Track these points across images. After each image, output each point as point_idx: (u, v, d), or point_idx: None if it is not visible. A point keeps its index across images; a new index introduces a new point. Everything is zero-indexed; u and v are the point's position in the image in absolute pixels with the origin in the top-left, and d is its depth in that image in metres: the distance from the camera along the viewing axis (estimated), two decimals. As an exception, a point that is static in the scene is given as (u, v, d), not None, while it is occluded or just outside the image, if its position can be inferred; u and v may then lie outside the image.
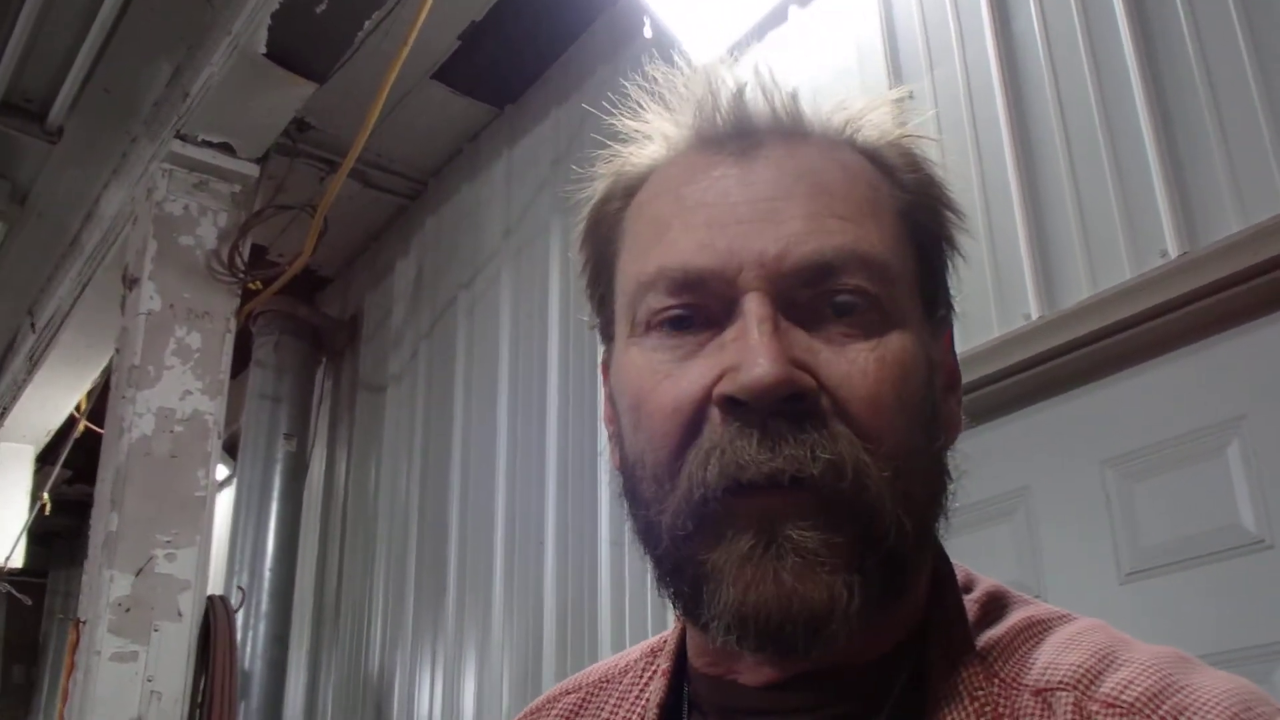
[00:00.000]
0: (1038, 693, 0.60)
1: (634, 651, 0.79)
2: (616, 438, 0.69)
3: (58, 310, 4.52)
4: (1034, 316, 2.01)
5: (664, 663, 0.73)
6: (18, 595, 6.39)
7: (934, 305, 0.68)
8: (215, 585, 3.77)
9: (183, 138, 3.47)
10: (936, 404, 0.66)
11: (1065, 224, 2.03)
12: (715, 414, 0.60)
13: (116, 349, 3.55)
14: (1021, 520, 2.01)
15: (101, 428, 3.62)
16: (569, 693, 0.80)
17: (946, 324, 0.71)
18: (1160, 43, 1.95)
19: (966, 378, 2.06)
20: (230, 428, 4.10)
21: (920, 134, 0.72)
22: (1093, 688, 0.59)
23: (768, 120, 0.68)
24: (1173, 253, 1.84)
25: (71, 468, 5.60)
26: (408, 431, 4.11)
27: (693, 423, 0.61)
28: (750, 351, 0.59)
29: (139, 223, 3.59)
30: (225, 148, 3.53)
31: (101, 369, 4.66)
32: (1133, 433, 1.88)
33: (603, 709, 0.75)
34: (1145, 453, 1.85)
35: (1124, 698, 0.58)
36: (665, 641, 0.75)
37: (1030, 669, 0.62)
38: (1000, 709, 0.60)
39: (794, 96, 0.69)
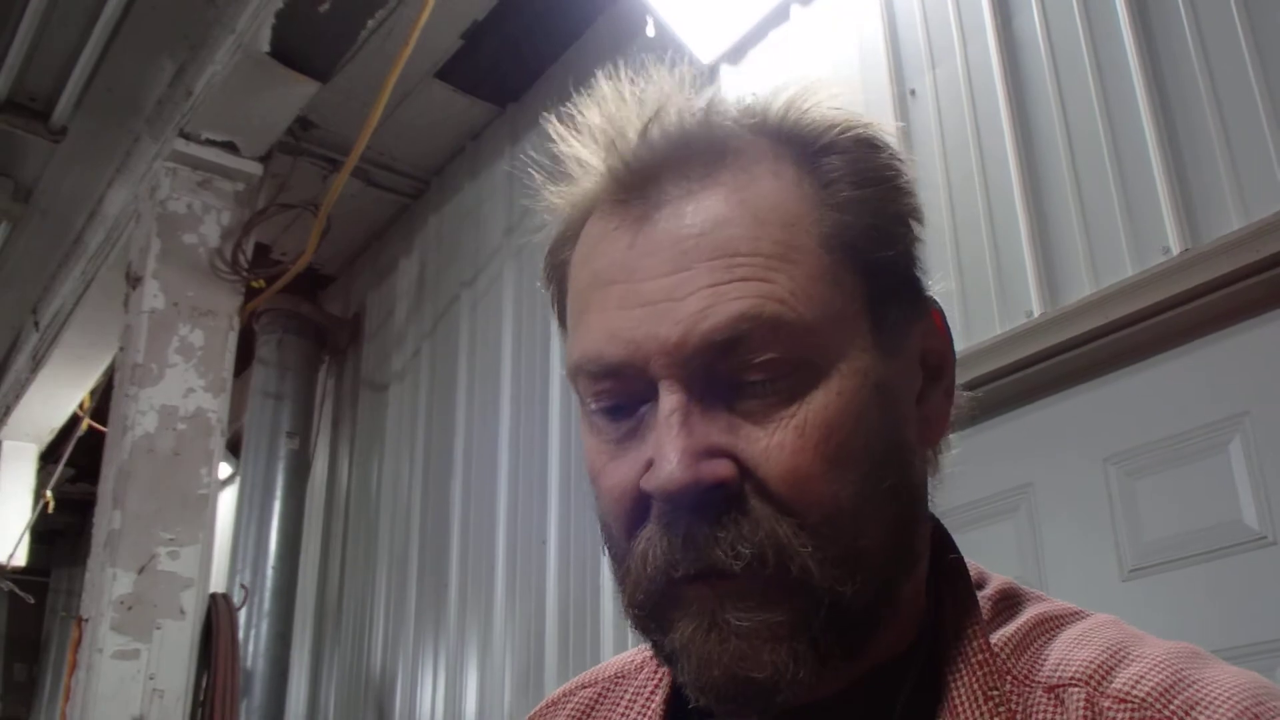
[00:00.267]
0: (1050, 689, 0.60)
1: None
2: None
3: (61, 308, 4.53)
4: (1036, 313, 2.02)
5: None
6: (20, 593, 6.39)
7: (889, 313, 0.64)
8: (218, 583, 3.78)
9: (186, 136, 3.47)
10: (896, 427, 0.64)
11: (1067, 221, 2.03)
12: (657, 503, 0.60)
13: (120, 347, 3.56)
14: (1024, 517, 2.01)
15: (104, 426, 3.62)
16: (585, 687, 0.80)
17: (916, 318, 0.67)
18: (1161, 39, 1.96)
19: (968, 375, 2.07)
20: (233, 426, 4.10)
21: (863, 121, 0.67)
22: (1105, 683, 0.59)
23: (674, 160, 0.63)
24: (1175, 249, 1.84)
25: (74, 466, 5.61)
26: (410, 430, 4.11)
27: (637, 510, 0.62)
28: (661, 450, 0.59)
29: (142, 221, 3.60)
30: (229, 146, 3.54)
31: (105, 367, 4.67)
32: (1135, 429, 1.88)
33: (618, 704, 0.76)
34: (1147, 449, 1.85)
35: (1136, 692, 0.58)
36: None
37: (1043, 666, 0.62)
38: (1014, 706, 0.60)
39: (707, 115, 0.65)
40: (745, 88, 2.85)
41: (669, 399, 0.59)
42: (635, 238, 0.63)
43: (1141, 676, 0.58)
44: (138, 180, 3.75)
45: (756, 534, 0.58)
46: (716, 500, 0.58)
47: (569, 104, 0.68)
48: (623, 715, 0.74)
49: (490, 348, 3.71)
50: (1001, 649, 0.63)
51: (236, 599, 3.53)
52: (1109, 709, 0.58)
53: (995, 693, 0.61)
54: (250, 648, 3.98)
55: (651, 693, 0.74)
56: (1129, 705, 0.58)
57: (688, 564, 0.59)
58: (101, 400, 4.74)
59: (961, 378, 2.13)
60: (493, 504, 3.49)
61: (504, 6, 3.45)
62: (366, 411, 4.48)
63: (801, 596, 0.59)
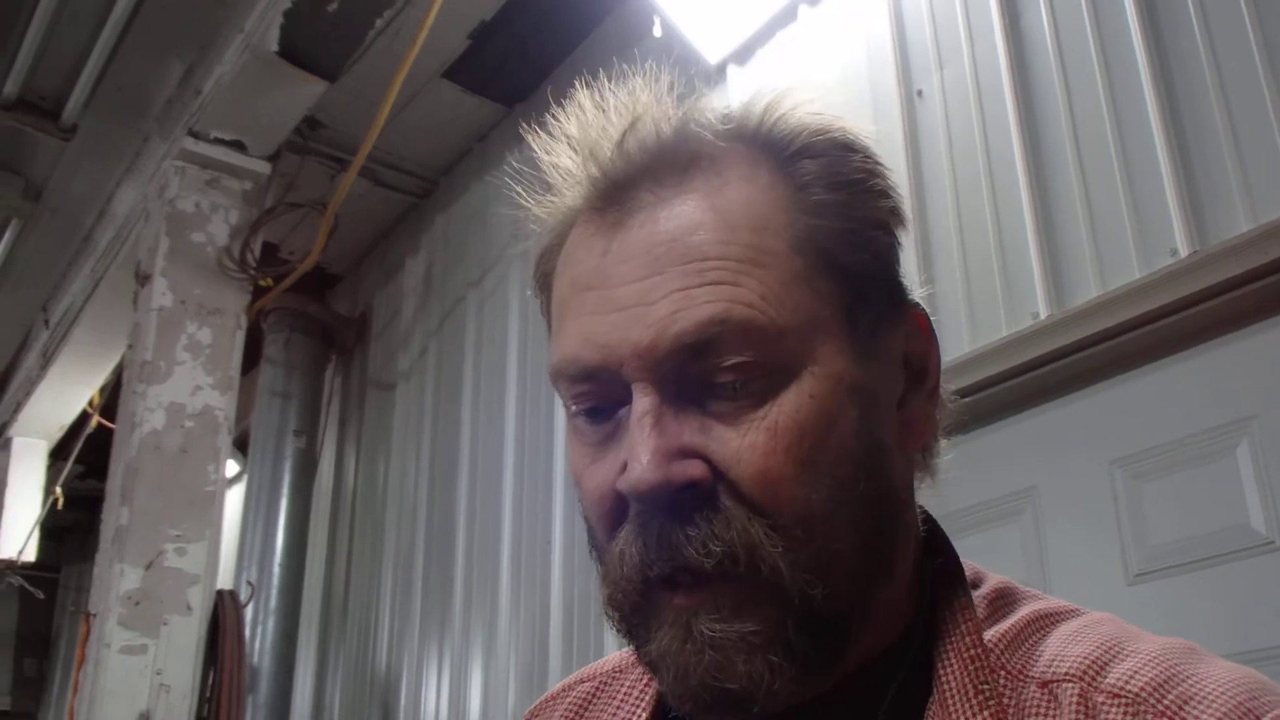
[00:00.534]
0: (1044, 684, 0.60)
1: None
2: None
3: (71, 306, 4.54)
4: (1042, 316, 2.01)
5: None
6: (30, 589, 6.42)
7: (866, 316, 0.65)
8: (225, 580, 3.79)
9: (195, 135, 3.48)
10: (873, 430, 0.64)
11: (1074, 222, 2.02)
12: (633, 504, 0.62)
13: (129, 344, 3.57)
14: (1029, 520, 2.00)
15: (114, 423, 3.64)
16: (583, 681, 0.81)
17: (896, 321, 0.67)
18: (1170, 40, 1.95)
19: (974, 377, 2.06)
20: (241, 424, 4.11)
21: (839, 122, 0.68)
22: (1098, 678, 0.59)
23: (650, 168, 0.65)
24: (1182, 252, 1.83)
25: (84, 463, 5.63)
26: (416, 429, 4.11)
27: (617, 511, 0.63)
28: (633, 451, 0.60)
29: (151, 219, 3.61)
30: (237, 145, 3.54)
31: (114, 365, 4.68)
32: (1141, 433, 1.87)
33: (613, 699, 0.76)
34: (1154, 453, 1.84)
35: (1129, 688, 0.58)
36: None
37: (1037, 661, 0.62)
38: (1006, 701, 0.61)
39: (684, 124, 0.66)
40: (752, 88, 2.84)
41: (641, 401, 0.60)
42: (610, 244, 0.64)
43: (1136, 672, 0.58)
44: (147, 179, 3.76)
45: (728, 532, 0.59)
46: (688, 500, 0.59)
47: (555, 114, 0.69)
48: (615, 712, 0.75)
49: (496, 347, 3.71)
50: (995, 645, 0.63)
51: (243, 596, 3.54)
52: (1103, 704, 0.58)
53: (986, 686, 0.61)
54: (256, 644, 3.99)
55: (642, 691, 0.75)
56: (1123, 700, 0.58)
57: (661, 563, 0.60)
58: (111, 397, 4.75)
59: (967, 380, 2.12)
60: (498, 503, 3.50)
61: (511, 6, 3.45)
62: (373, 410, 4.48)
63: (773, 602, 0.59)
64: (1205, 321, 1.81)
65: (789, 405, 0.60)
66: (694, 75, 2.93)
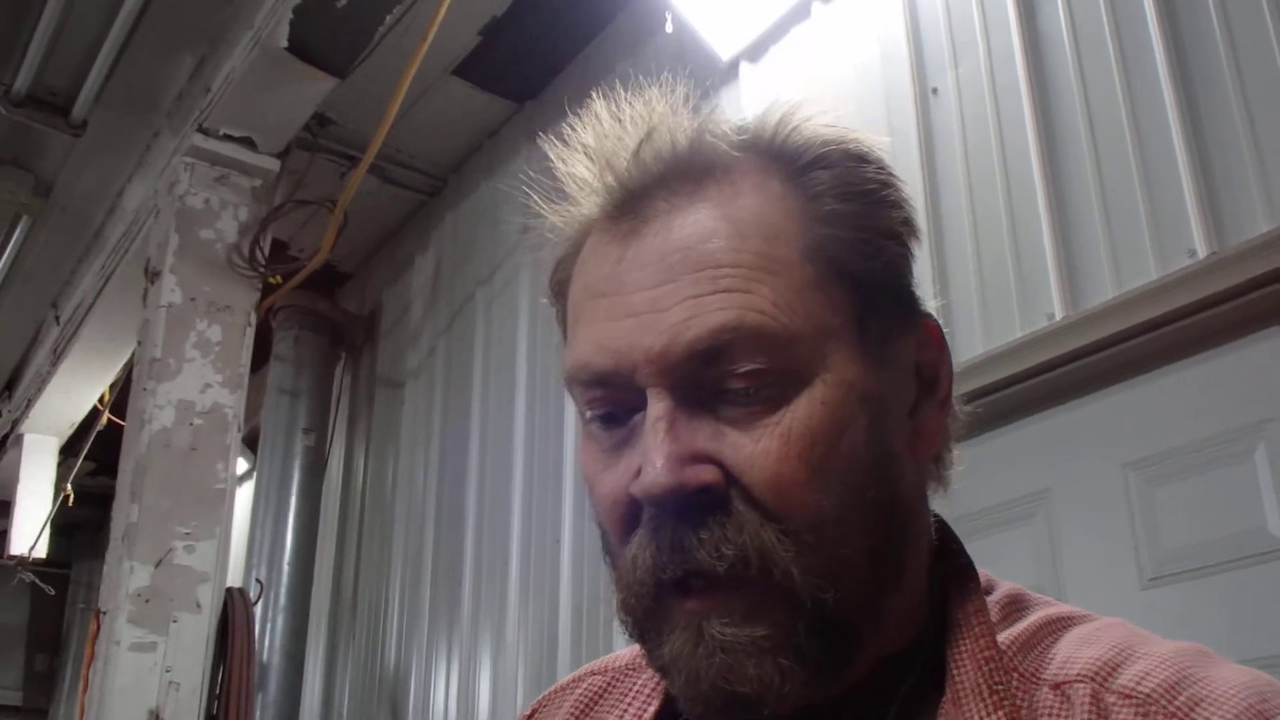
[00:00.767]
0: (1056, 686, 0.61)
1: None
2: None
3: (81, 303, 4.55)
4: (1058, 316, 1.99)
5: None
6: (41, 585, 6.44)
7: (878, 325, 0.65)
8: (234, 578, 3.79)
9: (204, 132, 3.47)
10: (884, 438, 0.64)
11: (1090, 222, 2.00)
12: (646, 508, 0.62)
13: (138, 341, 3.57)
14: (1042, 523, 1.98)
15: (124, 420, 3.63)
16: (596, 674, 0.81)
17: (908, 330, 0.68)
18: (1189, 37, 1.92)
19: (987, 378, 2.04)
20: (250, 422, 4.11)
21: (853, 133, 0.69)
22: (1110, 680, 0.60)
23: (664, 178, 0.66)
24: (1201, 252, 1.81)
25: (94, 460, 5.64)
26: (425, 427, 4.11)
27: (630, 516, 0.63)
28: (647, 455, 0.60)
29: (161, 216, 3.61)
30: (246, 142, 3.54)
31: (124, 362, 4.69)
32: (1156, 436, 1.85)
33: (624, 696, 0.77)
34: (1169, 456, 1.82)
35: (1140, 689, 0.58)
36: None
37: (1049, 664, 0.63)
38: (1019, 702, 0.61)
39: (699, 135, 0.67)
40: (765, 85, 2.82)
41: (655, 406, 0.61)
42: (625, 252, 0.65)
43: (1147, 673, 0.59)
44: (156, 175, 3.76)
45: (740, 536, 0.60)
46: (701, 504, 0.60)
47: (571, 122, 0.70)
48: (625, 709, 0.76)
49: (505, 346, 3.70)
50: (1008, 648, 0.64)
51: (252, 593, 3.54)
52: (1114, 704, 0.58)
53: (1001, 686, 0.61)
54: (266, 642, 4.00)
55: (652, 692, 0.75)
56: (1134, 701, 0.58)
57: (673, 566, 0.60)
58: (121, 394, 4.75)
59: (980, 381, 2.10)
60: (507, 501, 3.49)
61: (522, 3, 3.44)
62: (382, 408, 4.48)
63: (784, 607, 0.60)
64: (1223, 323, 1.79)
65: (801, 411, 0.61)
66: (706, 73, 2.92)
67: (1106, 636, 0.63)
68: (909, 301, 0.69)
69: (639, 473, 0.61)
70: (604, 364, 0.64)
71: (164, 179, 3.66)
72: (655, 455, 0.60)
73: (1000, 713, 0.60)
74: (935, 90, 2.37)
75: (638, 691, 0.76)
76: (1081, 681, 0.60)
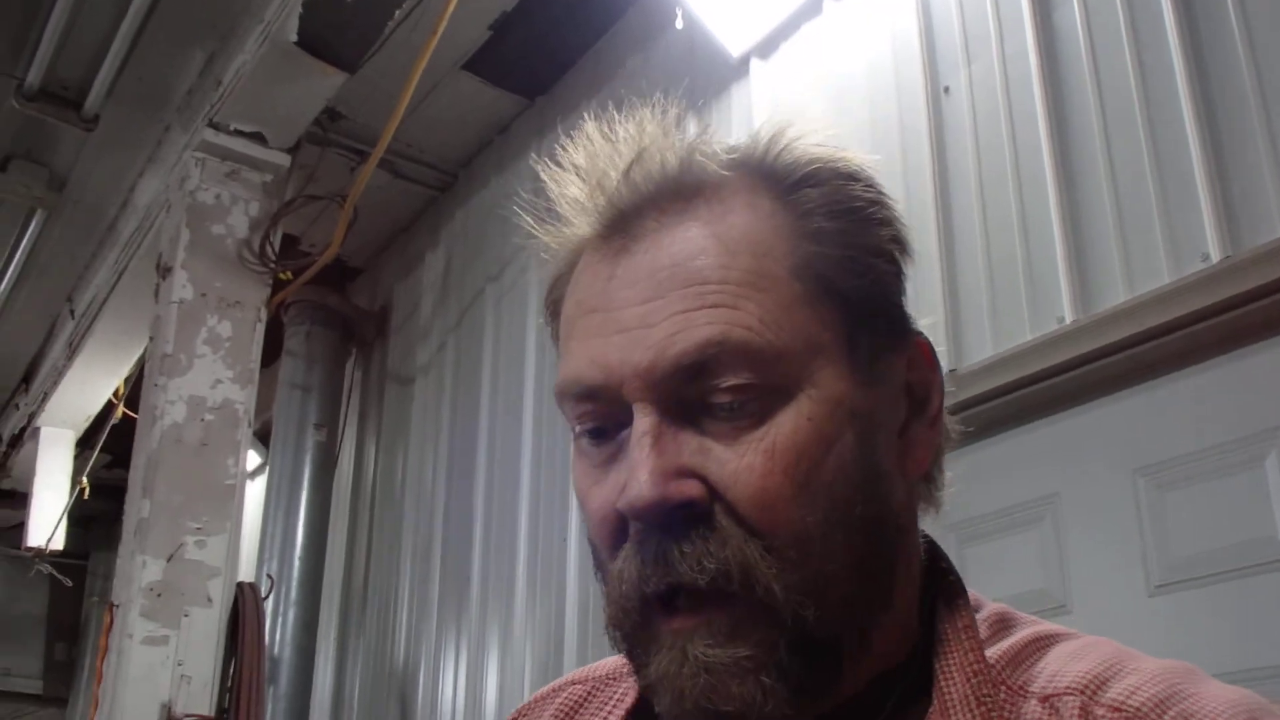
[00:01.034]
0: (1045, 699, 0.61)
1: None
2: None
3: (95, 297, 4.56)
4: (1068, 320, 1.97)
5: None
6: (59, 577, 6.49)
7: (866, 342, 0.65)
8: (246, 572, 3.80)
9: (215, 126, 3.48)
10: (872, 455, 0.64)
11: (1103, 224, 1.97)
12: (632, 523, 0.62)
13: (150, 337, 3.58)
14: (1049, 528, 1.96)
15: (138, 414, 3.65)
16: (576, 683, 0.82)
17: (899, 349, 0.68)
18: (1206, 37, 1.89)
19: (996, 381, 2.02)
20: (262, 416, 4.13)
21: (843, 152, 0.69)
22: (1099, 693, 0.60)
23: (655, 197, 0.66)
24: (1214, 256, 1.78)
25: (110, 452, 5.68)
26: (435, 423, 4.11)
27: (618, 531, 0.64)
28: (632, 470, 0.61)
29: (172, 211, 3.61)
30: (257, 137, 3.54)
31: (139, 355, 4.70)
32: (1167, 441, 1.83)
33: (605, 705, 0.77)
34: (1179, 462, 1.80)
35: (1130, 703, 0.58)
36: None
37: (1037, 677, 0.63)
38: (1006, 714, 0.61)
39: (689, 155, 0.67)
40: (776, 82, 2.80)
41: (642, 421, 0.62)
42: (615, 269, 0.66)
43: (1137, 688, 0.59)
44: (168, 170, 3.76)
45: (723, 551, 0.60)
46: (685, 519, 0.60)
47: (581, 117, 0.70)
48: (606, 717, 0.76)
49: (514, 342, 3.70)
50: (996, 662, 0.64)
51: (263, 588, 3.55)
52: (1103, 717, 0.58)
53: (988, 698, 0.62)
54: (277, 635, 4.02)
55: (625, 696, 0.76)
56: (1124, 715, 0.58)
57: (656, 579, 0.61)
58: (136, 388, 4.77)
59: (989, 384, 2.08)
60: (515, 498, 3.49)
61: (533, -2, 3.42)
62: (392, 404, 4.49)
63: (766, 624, 0.60)
64: (1236, 328, 1.76)
65: (787, 427, 0.61)
66: (716, 69, 2.89)
67: (1095, 652, 0.63)
68: (899, 320, 0.69)
69: (625, 487, 0.61)
70: (593, 378, 0.64)
71: (175, 174, 3.66)
72: (640, 470, 0.60)
73: None
74: (947, 89, 2.34)
75: (618, 700, 0.76)
76: (1071, 694, 0.60)
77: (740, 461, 0.61)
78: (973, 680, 0.63)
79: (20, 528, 6.01)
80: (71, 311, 4.87)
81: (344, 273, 4.87)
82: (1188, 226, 1.84)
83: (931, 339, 0.71)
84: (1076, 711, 0.59)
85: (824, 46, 2.69)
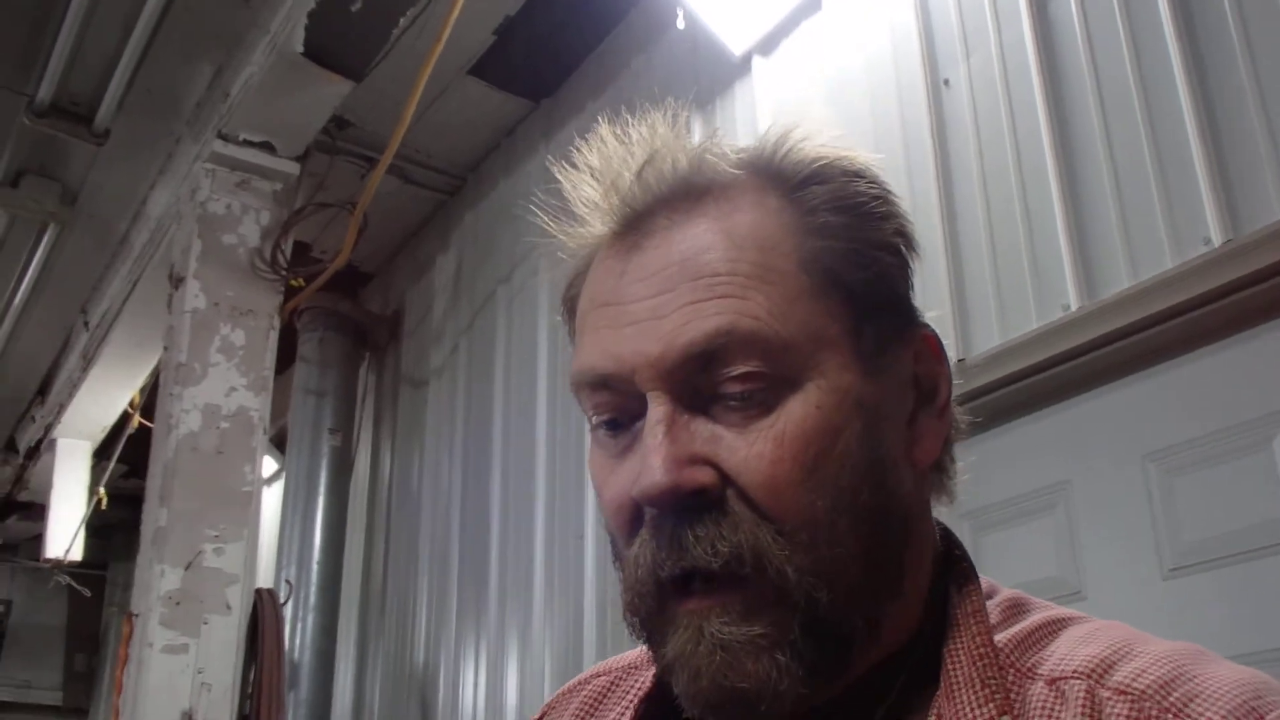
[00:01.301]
0: (1052, 681, 0.62)
1: None
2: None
3: (109, 308, 4.60)
4: (1073, 307, 1.98)
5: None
6: (78, 587, 6.54)
7: (872, 334, 0.67)
8: (264, 579, 3.83)
9: (224, 137, 3.50)
10: (879, 445, 0.66)
11: (1105, 212, 1.98)
12: (646, 510, 0.64)
13: (164, 346, 3.61)
14: (1061, 515, 1.97)
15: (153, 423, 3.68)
16: (599, 675, 0.84)
17: (905, 341, 0.70)
18: (1201, 24, 1.90)
19: (1003, 370, 2.03)
20: (277, 423, 4.15)
21: (848, 151, 0.71)
22: (1106, 677, 0.60)
23: (665, 197, 0.69)
24: (1216, 241, 1.79)
25: (126, 462, 5.71)
26: (449, 425, 4.13)
27: (634, 519, 0.66)
28: (645, 457, 0.63)
29: (184, 222, 3.64)
30: (266, 146, 3.56)
31: (153, 366, 4.73)
32: (1175, 426, 1.84)
33: (626, 694, 0.79)
34: (1188, 446, 1.81)
35: (1136, 685, 0.59)
36: None
37: (1045, 660, 0.64)
38: (1012, 695, 0.62)
39: (700, 156, 0.69)
40: (778, 79, 2.82)
41: (654, 410, 0.64)
42: (627, 265, 0.68)
43: (1143, 670, 0.60)
44: (179, 181, 3.79)
45: (735, 535, 0.62)
46: (698, 505, 0.62)
47: (588, 120, 0.73)
48: (626, 707, 0.78)
49: (527, 343, 3.72)
50: (1005, 646, 0.65)
51: (282, 594, 3.58)
52: (1108, 699, 0.59)
53: (994, 680, 0.63)
54: (297, 641, 4.04)
55: (641, 689, 0.78)
56: (1128, 697, 0.59)
57: (670, 563, 0.63)
58: (151, 397, 4.80)
59: (996, 373, 2.09)
60: (531, 499, 3.51)
61: (535, 1, 3.44)
62: (406, 407, 4.51)
63: (779, 605, 0.62)
64: (1240, 312, 1.77)
65: (796, 415, 0.63)
66: (718, 67, 2.91)
67: (1104, 636, 0.64)
68: (905, 312, 0.71)
69: (639, 475, 0.63)
70: (606, 367, 0.66)
71: (186, 185, 3.69)
72: (653, 457, 0.62)
73: (991, 705, 0.61)
74: (947, 81, 2.35)
75: (639, 688, 0.78)
76: (1077, 678, 0.61)
77: (751, 449, 0.62)
78: (979, 663, 0.64)
79: (38, 539, 6.05)
80: (86, 323, 4.91)
81: (356, 278, 4.89)
82: (1189, 211, 1.85)
83: (938, 330, 0.73)
84: (1082, 695, 0.60)
85: (824, 42, 2.71)
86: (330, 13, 3.07)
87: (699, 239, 0.66)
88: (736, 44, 2.88)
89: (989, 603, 0.69)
